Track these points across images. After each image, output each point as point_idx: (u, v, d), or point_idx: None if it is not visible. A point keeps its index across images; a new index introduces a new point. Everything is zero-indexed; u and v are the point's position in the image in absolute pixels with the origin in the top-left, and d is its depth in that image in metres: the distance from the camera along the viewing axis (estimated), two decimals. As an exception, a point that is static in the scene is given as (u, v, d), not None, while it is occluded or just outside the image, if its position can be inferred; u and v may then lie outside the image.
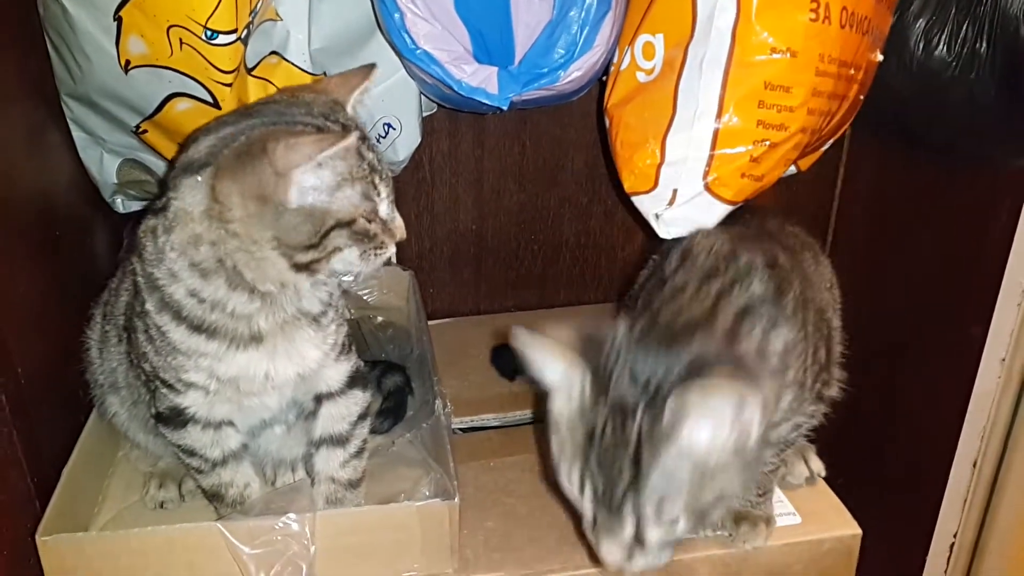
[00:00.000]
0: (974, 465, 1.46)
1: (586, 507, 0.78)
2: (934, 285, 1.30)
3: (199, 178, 0.77)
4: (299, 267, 0.79)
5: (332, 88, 0.87)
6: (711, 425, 0.70)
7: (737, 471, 0.74)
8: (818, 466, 1.10)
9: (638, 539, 0.75)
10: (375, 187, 0.80)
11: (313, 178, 0.75)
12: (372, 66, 0.90)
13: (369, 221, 0.80)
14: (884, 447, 1.58)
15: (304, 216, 0.76)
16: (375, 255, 0.82)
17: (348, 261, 0.81)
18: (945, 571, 1.56)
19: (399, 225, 0.84)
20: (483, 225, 1.55)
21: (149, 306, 0.84)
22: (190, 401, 0.88)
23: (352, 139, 0.75)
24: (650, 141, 0.97)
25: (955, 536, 1.52)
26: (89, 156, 1.16)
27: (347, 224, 0.78)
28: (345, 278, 0.88)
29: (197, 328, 0.83)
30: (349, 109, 0.85)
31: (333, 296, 0.90)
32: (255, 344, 0.84)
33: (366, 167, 0.79)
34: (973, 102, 1.15)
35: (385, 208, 0.82)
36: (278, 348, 0.86)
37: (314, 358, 0.89)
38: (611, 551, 0.77)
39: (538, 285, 1.62)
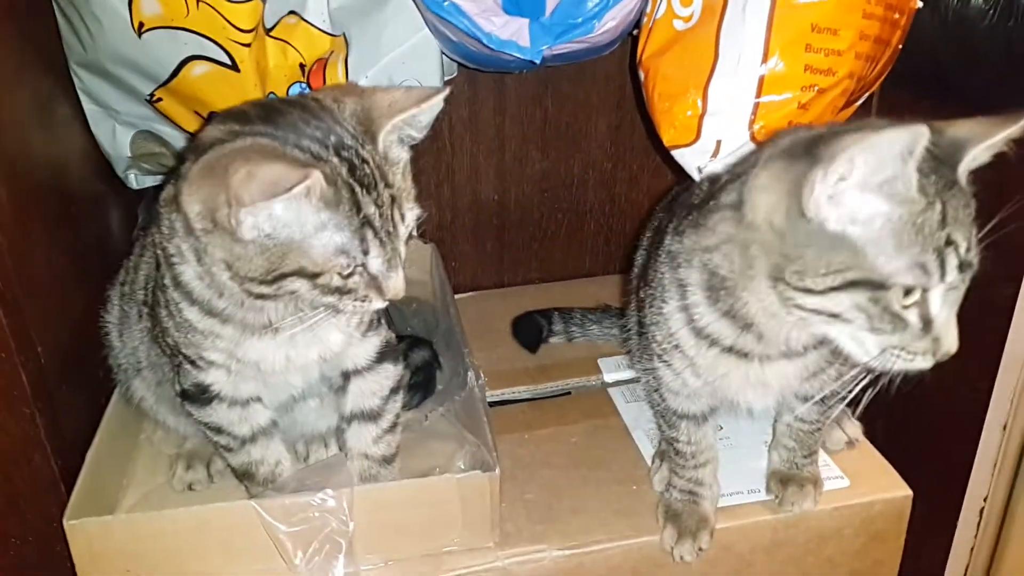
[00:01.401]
0: (1004, 428, 1.44)
1: None
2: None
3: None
4: (253, 295, 0.73)
5: (377, 104, 0.76)
6: None
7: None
8: (855, 430, 1.07)
9: None
10: (363, 241, 0.70)
11: (266, 217, 0.67)
12: (434, 91, 0.77)
13: (347, 276, 0.71)
14: (913, 412, 1.55)
15: (258, 250, 0.69)
16: (354, 304, 0.74)
17: (313, 303, 0.74)
18: (975, 535, 1.54)
19: (393, 286, 0.73)
20: (505, 194, 1.51)
21: (167, 281, 0.80)
22: (213, 378, 0.85)
23: (311, 181, 0.65)
24: (691, 91, 0.93)
25: (985, 500, 1.49)
26: (101, 129, 1.12)
27: (311, 275, 0.70)
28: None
29: (209, 313, 0.79)
30: (383, 136, 0.74)
31: None
32: (270, 332, 0.80)
33: (357, 220, 0.69)
34: (1011, 52, 1.10)
35: (377, 265, 0.72)
36: (296, 335, 0.80)
37: (337, 341, 0.85)
38: None
39: (563, 255, 1.58)
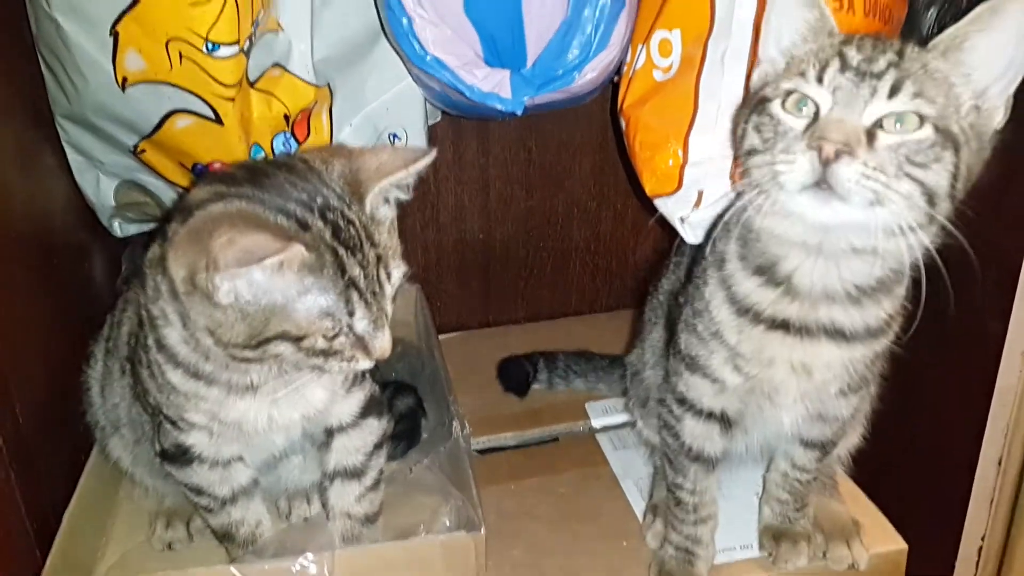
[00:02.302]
0: (999, 463, 1.43)
1: None
2: (952, 281, 1.29)
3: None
4: (237, 359, 0.73)
5: (365, 166, 0.76)
6: None
7: None
8: (861, 555, 0.97)
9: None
10: (348, 303, 0.70)
11: (245, 283, 0.67)
12: (423, 153, 0.77)
13: (332, 338, 0.71)
14: (905, 453, 1.55)
15: (238, 316, 0.68)
16: (340, 364, 0.73)
17: (298, 366, 0.74)
18: (975, 575, 1.53)
19: (380, 346, 0.73)
20: (490, 233, 1.51)
21: (150, 342, 0.79)
22: (194, 440, 0.83)
23: (287, 255, 0.65)
24: (671, 141, 0.93)
25: (983, 539, 1.48)
26: (85, 179, 1.11)
27: (295, 338, 0.70)
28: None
29: (195, 376, 0.78)
30: (370, 198, 0.74)
31: None
32: (252, 392, 0.79)
33: (342, 282, 0.69)
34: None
35: (363, 325, 0.72)
36: (279, 394, 0.80)
37: (320, 399, 0.84)
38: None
39: (548, 293, 1.58)
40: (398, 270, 0.75)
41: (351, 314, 0.70)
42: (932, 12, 1.18)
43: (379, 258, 0.73)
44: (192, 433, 0.82)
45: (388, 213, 0.77)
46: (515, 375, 1.31)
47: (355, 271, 0.70)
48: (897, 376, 1.42)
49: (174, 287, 0.70)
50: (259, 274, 0.66)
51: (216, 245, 0.64)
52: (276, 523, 0.93)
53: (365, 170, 0.75)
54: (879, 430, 1.34)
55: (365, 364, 0.74)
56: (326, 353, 0.72)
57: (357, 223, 0.72)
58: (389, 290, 0.74)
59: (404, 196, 0.78)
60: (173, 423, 0.82)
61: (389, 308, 0.74)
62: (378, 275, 0.72)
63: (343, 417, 0.89)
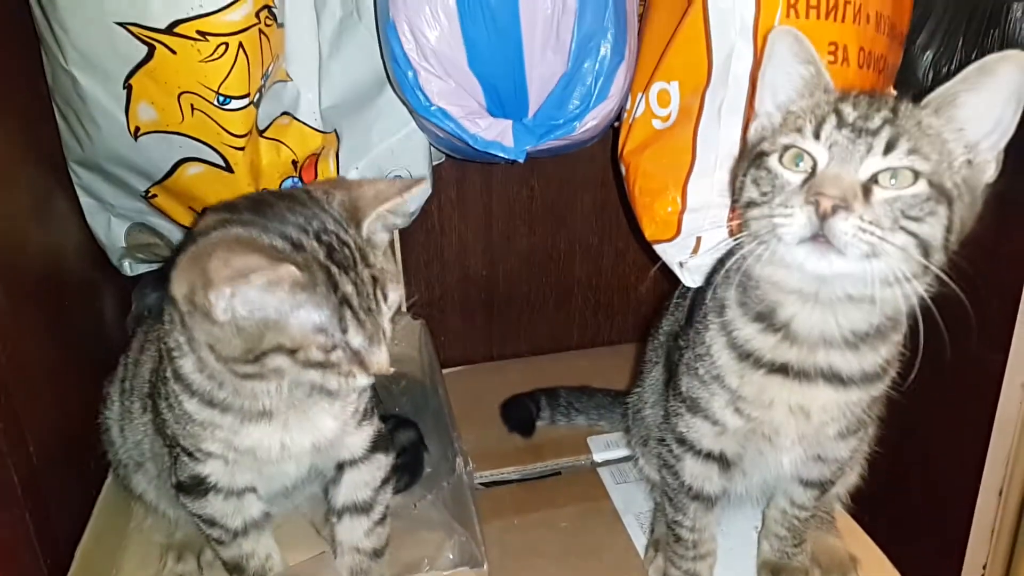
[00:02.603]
0: (1000, 494, 1.44)
1: None
2: (951, 312, 1.31)
3: None
4: (239, 376, 0.76)
5: (364, 195, 0.80)
6: None
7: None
8: None
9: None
10: (342, 320, 0.73)
11: (240, 300, 0.70)
12: (416, 182, 0.83)
13: (328, 351, 0.73)
14: (907, 483, 1.55)
15: (235, 331, 0.72)
16: (338, 379, 0.75)
17: (300, 381, 0.76)
18: (977, 606, 1.53)
19: (376, 360, 0.75)
20: (493, 270, 1.54)
21: (168, 374, 0.82)
22: (210, 470, 0.86)
23: (277, 274, 0.68)
24: (670, 188, 0.96)
25: (984, 568, 1.49)
26: (96, 221, 1.14)
27: (291, 351, 0.73)
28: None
29: (209, 403, 0.81)
30: (367, 223, 0.78)
31: None
32: (267, 419, 0.82)
33: (335, 299, 0.72)
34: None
35: (359, 341, 0.74)
36: (290, 421, 0.83)
37: (331, 428, 0.86)
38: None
39: (550, 328, 1.60)
40: (395, 292, 0.78)
41: (344, 330, 0.73)
42: (928, 55, 1.21)
43: (375, 279, 0.76)
44: (208, 463, 0.85)
45: (385, 238, 0.81)
46: (519, 415, 1.32)
47: (348, 288, 0.73)
48: (899, 407, 1.44)
49: (180, 310, 0.74)
50: (252, 291, 0.69)
51: (212, 266, 0.68)
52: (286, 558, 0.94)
53: (363, 198, 0.79)
54: (881, 460, 1.35)
55: (363, 380, 0.76)
56: (323, 365, 0.74)
57: (352, 245, 0.75)
58: (386, 309, 0.77)
59: (400, 221, 0.81)
60: (190, 454, 0.85)
61: (387, 326, 0.77)
62: (374, 293, 0.75)
63: (355, 450, 0.91)
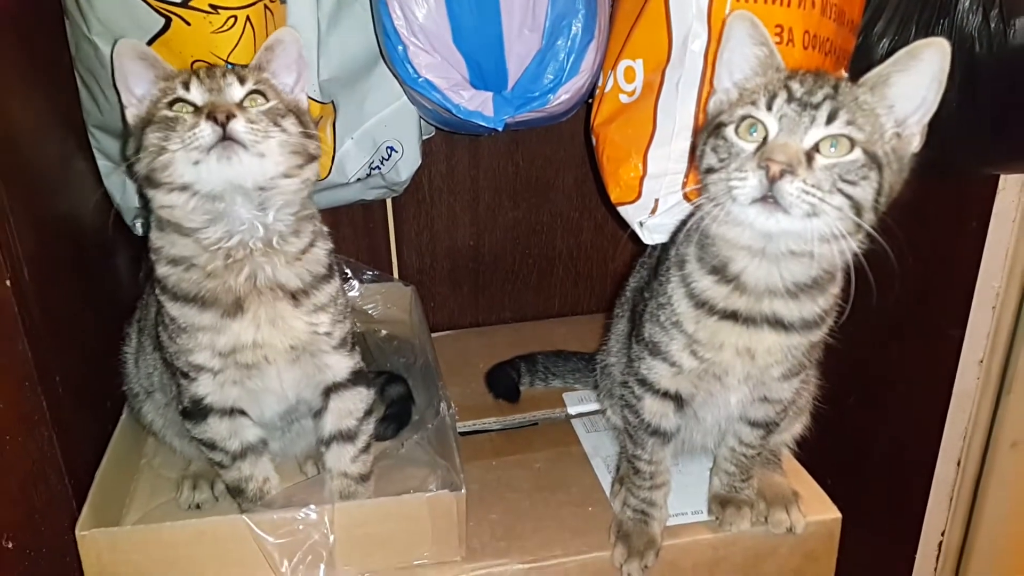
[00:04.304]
0: (958, 464, 1.53)
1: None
2: (912, 290, 1.41)
3: None
4: (146, 174, 0.87)
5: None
6: None
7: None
8: (799, 520, 1.07)
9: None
10: (186, 83, 0.88)
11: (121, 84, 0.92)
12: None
13: (172, 104, 0.87)
14: (869, 451, 1.63)
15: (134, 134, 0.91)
16: (189, 134, 0.83)
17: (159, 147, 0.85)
18: (935, 570, 1.62)
19: (214, 100, 0.86)
20: (480, 241, 1.64)
21: (157, 291, 0.93)
22: (203, 387, 0.95)
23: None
24: (633, 156, 1.06)
25: (943, 535, 1.57)
26: (112, 183, 1.24)
27: (150, 121, 0.87)
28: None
29: (185, 298, 0.90)
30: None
31: (315, 279, 0.96)
32: (240, 312, 0.91)
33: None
34: (935, 116, 1.24)
35: (198, 95, 0.87)
36: (262, 316, 0.92)
37: (301, 329, 0.94)
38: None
39: (533, 296, 1.70)
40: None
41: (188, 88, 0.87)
42: (885, 43, 1.30)
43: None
44: (200, 379, 0.94)
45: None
46: (504, 383, 1.40)
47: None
48: (861, 380, 1.53)
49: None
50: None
51: None
52: (282, 484, 1.04)
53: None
54: (844, 430, 1.43)
55: (207, 129, 0.82)
56: (169, 122, 0.85)
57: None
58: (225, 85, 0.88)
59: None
60: (185, 375, 0.95)
61: (232, 93, 0.88)
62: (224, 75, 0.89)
63: (338, 373, 1.00)
